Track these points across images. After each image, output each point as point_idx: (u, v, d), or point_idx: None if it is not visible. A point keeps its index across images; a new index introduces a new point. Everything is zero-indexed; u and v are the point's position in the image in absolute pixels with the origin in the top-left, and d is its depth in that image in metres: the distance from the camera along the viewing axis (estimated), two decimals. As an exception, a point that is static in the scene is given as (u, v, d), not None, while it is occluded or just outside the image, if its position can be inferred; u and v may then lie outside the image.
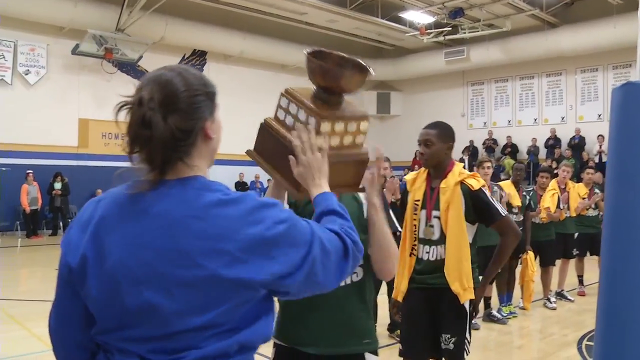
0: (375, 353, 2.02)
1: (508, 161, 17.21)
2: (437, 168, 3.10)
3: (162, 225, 1.17)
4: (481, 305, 6.36)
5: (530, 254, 6.59)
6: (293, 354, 1.95)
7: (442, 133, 3.07)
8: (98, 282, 1.18)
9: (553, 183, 7.27)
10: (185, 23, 15.95)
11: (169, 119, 1.18)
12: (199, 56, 17.81)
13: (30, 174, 13.53)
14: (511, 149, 17.69)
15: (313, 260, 1.22)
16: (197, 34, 16.37)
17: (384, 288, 5.62)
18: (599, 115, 16.93)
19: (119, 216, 1.21)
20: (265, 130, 1.64)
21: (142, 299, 1.15)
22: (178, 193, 1.20)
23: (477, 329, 6.06)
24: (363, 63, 1.66)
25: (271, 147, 1.62)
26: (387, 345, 5.50)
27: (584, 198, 7.61)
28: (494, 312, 6.41)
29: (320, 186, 1.48)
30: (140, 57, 15.64)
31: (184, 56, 17.44)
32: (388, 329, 5.72)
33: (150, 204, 1.20)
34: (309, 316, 1.92)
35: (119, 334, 1.19)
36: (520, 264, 6.70)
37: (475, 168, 6.64)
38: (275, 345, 2.01)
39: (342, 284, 1.80)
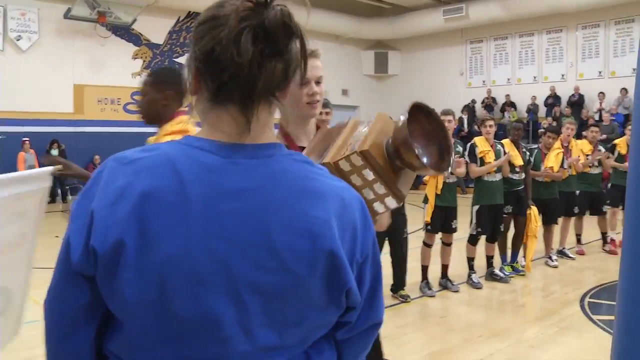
0: None
1: (513, 114, 17.17)
2: (155, 122, 2.44)
3: (248, 208, 0.90)
4: (483, 264, 6.41)
5: (534, 209, 6.58)
6: None
7: (157, 80, 2.46)
8: (137, 277, 0.87)
9: (557, 142, 7.22)
10: (179, -16, 15.62)
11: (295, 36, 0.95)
12: (193, 18, 17.48)
13: (27, 142, 13.42)
14: (510, 107, 17.56)
15: None
16: (191, -5, 16.05)
17: (386, 248, 5.63)
18: (600, 73, 16.74)
19: (177, 189, 0.89)
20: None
21: (200, 306, 0.88)
22: (278, 163, 0.95)
23: (479, 288, 6.10)
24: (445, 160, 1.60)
25: None
26: (391, 306, 5.53)
27: (587, 155, 7.58)
28: (496, 271, 6.43)
29: None
30: (134, 20, 15.36)
31: (178, 19, 17.13)
32: (391, 290, 5.75)
33: (230, 174, 0.91)
34: None
35: (157, 352, 0.90)
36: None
37: (477, 127, 6.59)
38: None
39: None
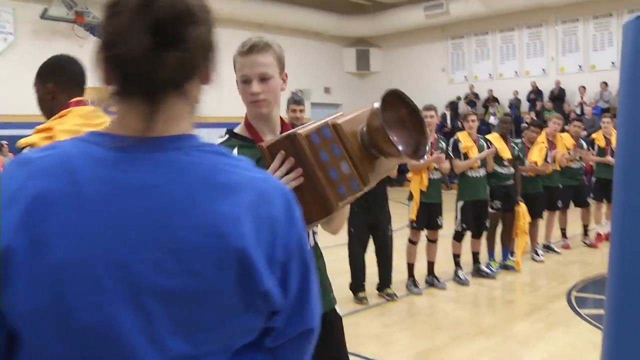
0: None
1: (498, 109, 17.21)
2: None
3: (149, 205, 0.83)
4: (470, 261, 6.37)
5: (523, 205, 6.56)
6: None
7: (39, 74, 2.20)
8: (29, 286, 0.79)
9: (542, 136, 7.22)
10: (157, -17, 15.44)
11: (202, 23, 0.87)
12: (172, 17, 17.34)
13: (5, 145, 13.18)
14: (494, 102, 17.59)
15: None
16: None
17: (371, 246, 5.57)
18: (580, 67, 16.84)
19: (71, 189, 0.82)
20: (293, 144, 1.51)
21: (102, 316, 0.80)
22: (186, 156, 0.86)
23: (466, 284, 6.06)
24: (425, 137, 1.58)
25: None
26: (377, 305, 5.47)
27: (569, 150, 7.59)
28: (483, 267, 6.40)
29: None
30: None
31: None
32: (377, 288, 5.69)
33: (130, 170, 0.84)
34: None
35: None
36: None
37: (460, 122, 6.56)
38: None
39: (311, 245, 1.89)
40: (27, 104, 13.79)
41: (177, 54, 0.84)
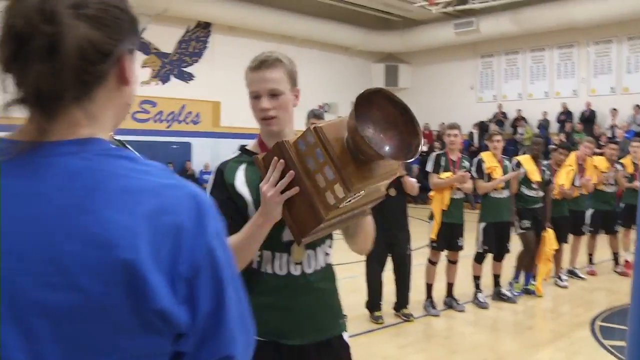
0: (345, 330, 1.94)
1: (527, 130, 16.99)
2: None
3: (35, 214, 0.75)
4: (490, 283, 6.21)
5: (550, 231, 6.37)
6: (273, 348, 1.76)
7: None
8: None
9: (571, 158, 7.04)
10: (189, -6, 15.61)
11: (82, 25, 0.78)
12: (203, 28, 17.46)
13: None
14: (523, 122, 17.33)
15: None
16: (201, 4, 16.02)
17: (389, 264, 5.46)
18: (612, 89, 16.53)
19: None
20: (282, 151, 1.51)
21: None
22: (82, 161, 0.79)
23: (486, 307, 5.90)
24: (416, 128, 1.47)
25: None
26: (393, 325, 5.34)
27: (603, 173, 7.40)
28: (504, 291, 6.23)
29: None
30: (144, 29, 15.33)
31: (188, 28, 17.11)
32: (394, 308, 5.56)
33: (22, 177, 0.77)
34: (295, 304, 1.78)
35: None
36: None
37: (485, 142, 6.43)
38: None
39: (321, 267, 1.80)
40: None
41: (42, 64, 0.76)
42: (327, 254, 1.87)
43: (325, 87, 18.72)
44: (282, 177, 1.51)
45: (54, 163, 0.78)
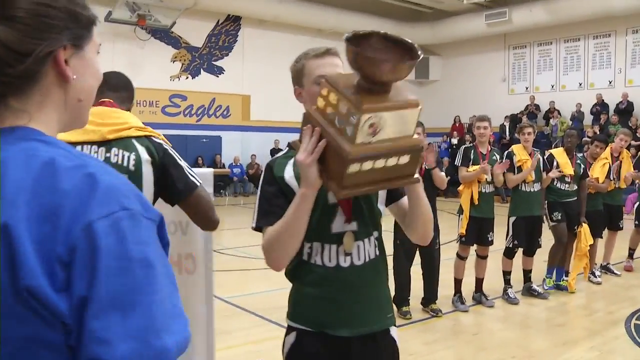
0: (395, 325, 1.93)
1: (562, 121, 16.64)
2: None
3: None
4: (521, 279, 6.09)
5: (585, 226, 6.22)
6: (319, 338, 1.77)
7: None
8: None
9: (606, 152, 6.86)
10: (219, -13, 15.67)
11: None
12: (233, 21, 17.53)
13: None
14: (556, 114, 16.98)
15: None
16: (230, -2, 16.09)
17: (417, 259, 5.39)
18: (650, 79, 16.10)
19: None
20: (307, 118, 1.54)
21: None
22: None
23: (516, 303, 5.79)
24: (409, 44, 1.49)
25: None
26: (420, 320, 5.28)
27: None
28: (534, 286, 6.10)
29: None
30: (174, 23, 15.47)
31: (218, 21, 17.18)
32: (422, 303, 5.50)
33: None
34: (343, 296, 1.78)
35: None
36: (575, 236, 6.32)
37: (516, 134, 6.30)
38: (294, 330, 1.82)
39: (370, 258, 1.78)
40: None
41: None
42: (377, 245, 1.84)
43: (354, 79, 18.62)
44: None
45: None
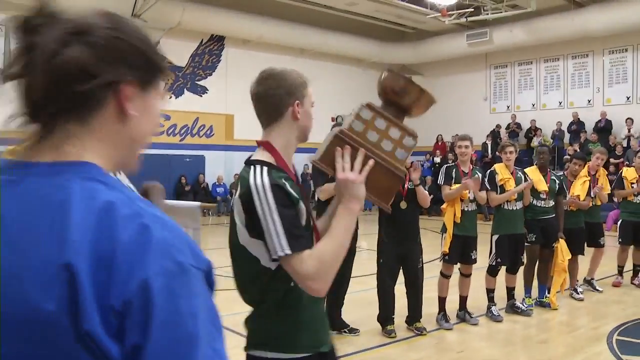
0: None
1: (544, 138, 16.76)
2: None
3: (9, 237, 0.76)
4: (504, 296, 6.12)
5: (562, 242, 6.29)
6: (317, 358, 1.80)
7: None
8: None
9: (584, 170, 6.96)
10: (203, 7, 15.72)
11: (74, 45, 0.81)
12: (216, 41, 17.60)
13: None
14: (538, 132, 17.19)
15: None
16: (214, 18, 16.14)
17: (401, 277, 5.40)
18: (628, 98, 16.39)
19: None
20: (344, 140, 1.69)
21: None
22: (61, 177, 0.80)
23: (499, 321, 5.82)
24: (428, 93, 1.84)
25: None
26: (405, 339, 5.28)
27: (632, 183, 7.29)
28: (517, 303, 6.14)
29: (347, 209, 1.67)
30: (157, 43, 15.47)
31: (201, 41, 17.24)
32: (406, 321, 5.50)
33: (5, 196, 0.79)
34: (323, 314, 1.90)
35: None
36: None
37: (498, 153, 6.38)
38: None
39: None
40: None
41: (32, 76, 0.80)
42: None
43: (339, 99, 18.73)
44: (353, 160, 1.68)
45: (30, 185, 0.80)
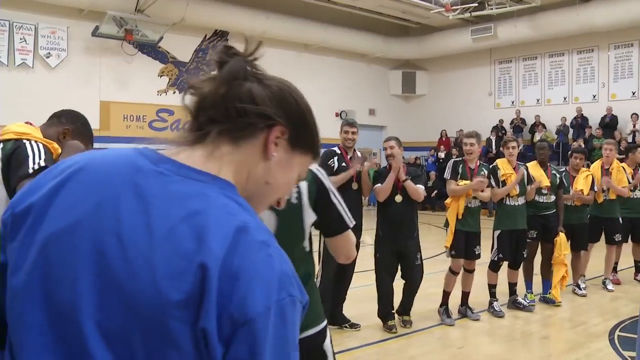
0: None
1: (547, 134, 16.70)
2: None
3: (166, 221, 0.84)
4: (506, 292, 6.11)
5: (562, 236, 6.27)
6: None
7: (65, 115, 2.79)
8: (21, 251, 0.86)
9: (596, 165, 6.91)
10: (206, 3, 15.69)
11: (252, 81, 0.96)
12: (220, 36, 17.56)
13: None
14: (542, 128, 17.12)
15: None
16: (218, 13, 16.11)
17: (399, 272, 5.40)
18: (634, 93, 16.30)
19: (101, 174, 0.88)
20: None
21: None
22: (204, 186, 0.88)
23: (501, 316, 5.81)
24: None
25: None
26: (406, 334, 5.28)
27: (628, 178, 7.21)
28: (519, 299, 6.13)
29: None
30: (161, 38, 15.46)
31: (205, 37, 17.22)
32: (397, 311, 5.48)
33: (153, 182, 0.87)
34: None
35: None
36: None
37: (501, 148, 6.36)
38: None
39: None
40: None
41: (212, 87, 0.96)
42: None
43: (342, 94, 18.71)
44: None
45: (172, 179, 0.88)
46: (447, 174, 5.72)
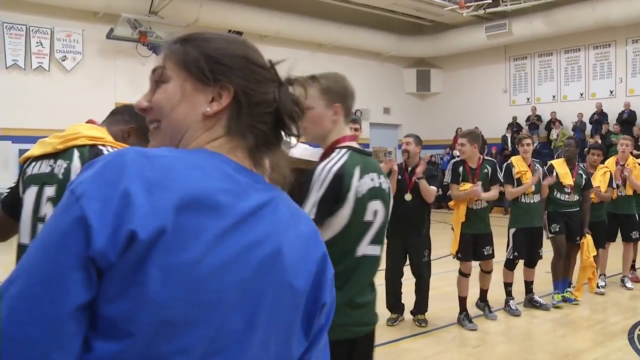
0: None
1: (563, 132, 16.51)
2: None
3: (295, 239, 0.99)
4: (522, 290, 6.05)
5: (589, 237, 6.16)
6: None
7: (128, 111, 2.57)
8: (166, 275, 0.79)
9: (610, 161, 6.81)
10: (220, 3, 15.75)
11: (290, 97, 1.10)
12: (234, 37, 17.62)
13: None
14: (558, 124, 16.92)
15: None
16: (231, 14, 16.16)
17: (408, 272, 5.39)
18: (652, 88, 16.07)
19: (220, 197, 0.87)
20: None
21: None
22: (287, 205, 1.02)
23: (518, 315, 5.75)
24: None
25: None
26: (421, 333, 5.24)
27: None
28: (536, 298, 6.06)
29: None
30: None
31: (218, 38, 17.28)
32: (411, 312, 5.51)
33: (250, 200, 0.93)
34: None
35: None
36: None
37: (515, 145, 6.29)
38: None
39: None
40: (92, 117, 14.36)
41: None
42: None
43: (357, 93, 18.36)
44: None
45: (281, 198, 1.00)
46: (447, 177, 5.61)
